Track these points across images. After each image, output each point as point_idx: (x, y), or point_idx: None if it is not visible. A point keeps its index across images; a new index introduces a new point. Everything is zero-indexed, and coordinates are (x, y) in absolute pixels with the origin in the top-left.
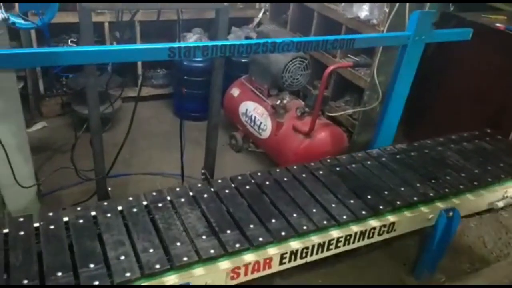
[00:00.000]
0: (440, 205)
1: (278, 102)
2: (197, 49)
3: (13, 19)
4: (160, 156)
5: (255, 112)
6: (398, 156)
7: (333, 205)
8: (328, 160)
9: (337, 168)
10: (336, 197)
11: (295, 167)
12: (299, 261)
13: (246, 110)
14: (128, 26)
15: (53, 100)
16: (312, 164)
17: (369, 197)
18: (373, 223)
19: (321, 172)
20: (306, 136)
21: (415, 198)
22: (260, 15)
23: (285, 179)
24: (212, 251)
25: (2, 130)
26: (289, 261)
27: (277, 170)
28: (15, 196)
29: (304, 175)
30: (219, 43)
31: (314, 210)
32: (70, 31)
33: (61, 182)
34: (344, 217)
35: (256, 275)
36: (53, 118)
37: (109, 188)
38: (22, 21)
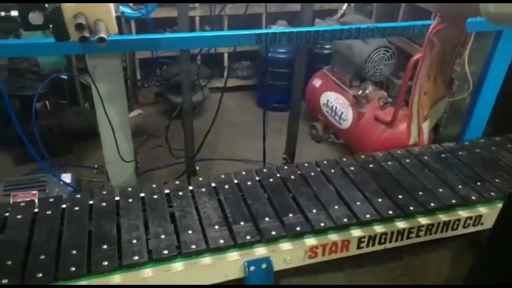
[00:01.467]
0: None
1: (360, 92)
2: (283, 35)
3: (122, 8)
4: (242, 144)
5: (336, 103)
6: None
7: (421, 193)
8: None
9: (414, 160)
10: (424, 185)
11: (380, 154)
12: (378, 247)
13: (327, 100)
14: (217, 19)
15: (148, 90)
16: (399, 152)
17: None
18: (463, 213)
19: (408, 160)
20: (388, 126)
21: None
22: (344, 6)
23: (371, 165)
24: (298, 228)
25: (109, 110)
26: (367, 245)
27: (362, 156)
28: (117, 171)
29: (390, 163)
30: (303, 29)
31: (400, 196)
32: (166, 25)
33: (154, 164)
34: (432, 204)
35: (334, 256)
36: (147, 106)
37: (197, 167)
38: (130, 11)
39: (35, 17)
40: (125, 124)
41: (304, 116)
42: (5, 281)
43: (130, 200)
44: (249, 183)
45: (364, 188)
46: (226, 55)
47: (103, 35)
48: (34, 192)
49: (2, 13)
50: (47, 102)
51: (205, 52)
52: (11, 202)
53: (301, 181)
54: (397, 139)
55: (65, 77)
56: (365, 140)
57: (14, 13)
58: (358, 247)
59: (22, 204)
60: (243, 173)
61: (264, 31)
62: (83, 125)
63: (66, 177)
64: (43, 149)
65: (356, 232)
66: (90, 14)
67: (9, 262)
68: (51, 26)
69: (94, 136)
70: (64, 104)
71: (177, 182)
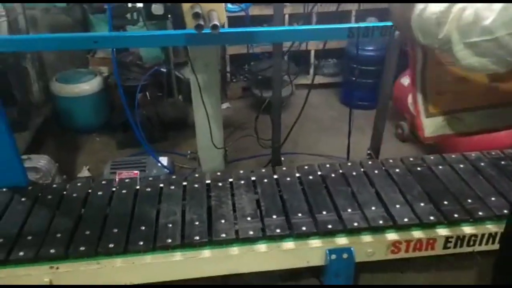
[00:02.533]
0: None
1: None
2: (376, 29)
3: None
4: (325, 140)
5: None
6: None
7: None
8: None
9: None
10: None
11: (473, 154)
12: (466, 249)
13: None
14: (306, 17)
15: (236, 84)
16: (453, 156)
17: None
18: None
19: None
20: None
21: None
22: None
23: (461, 165)
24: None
25: (205, 99)
26: (455, 246)
27: (453, 156)
28: (208, 158)
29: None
30: None
31: (493, 199)
32: (256, 23)
33: (240, 154)
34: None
35: (418, 254)
36: (235, 100)
37: (282, 158)
38: (231, 5)
39: (157, 8)
40: (218, 113)
41: (390, 115)
42: (111, 245)
43: (242, 182)
44: (354, 173)
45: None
46: (313, 53)
47: (216, 22)
48: (136, 171)
49: (130, 4)
50: (147, 93)
51: (295, 48)
52: (117, 179)
53: (405, 174)
54: (489, 141)
55: (164, 70)
56: (456, 141)
57: (140, 4)
58: (445, 247)
59: (149, 178)
60: (349, 164)
61: (356, 25)
62: (177, 115)
63: (164, 160)
64: (143, 136)
65: (438, 232)
66: (205, 5)
67: (143, 228)
68: (169, 16)
69: (186, 126)
70: (160, 96)
71: (263, 170)
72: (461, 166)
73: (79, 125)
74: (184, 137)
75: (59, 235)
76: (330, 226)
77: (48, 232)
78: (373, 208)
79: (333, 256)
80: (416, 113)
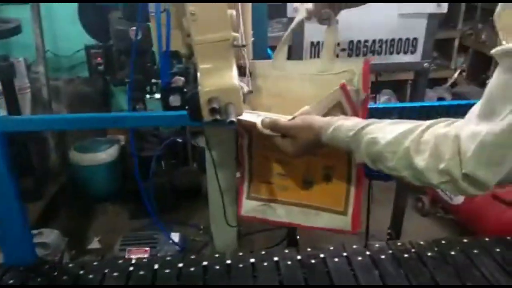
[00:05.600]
0: None
1: None
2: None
3: None
4: None
5: None
6: None
7: None
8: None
9: None
10: None
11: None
12: None
13: None
14: None
15: None
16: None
17: None
18: None
19: None
20: (509, 206)
21: None
22: (455, 75)
23: None
24: None
25: (219, 174)
26: None
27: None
28: (221, 233)
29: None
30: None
31: None
32: None
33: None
34: None
35: None
36: None
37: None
38: None
39: (174, 100)
40: (233, 189)
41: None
42: None
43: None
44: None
45: None
46: None
47: (233, 119)
48: (147, 248)
49: (148, 96)
50: (162, 163)
51: None
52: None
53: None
54: None
55: (181, 140)
56: (480, 220)
57: (158, 95)
58: None
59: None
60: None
61: None
62: (191, 185)
63: (175, 236)
64: (156, 207)
65: None
66: (223, 98)
67: None
68: (186, 107)
69: (199, 196)
70: (175, 164)
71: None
72: None
73: (94, 193)
74: (197, 208)
75: None
76: None
77: None
78: None
79: None
80: (240, 191)
